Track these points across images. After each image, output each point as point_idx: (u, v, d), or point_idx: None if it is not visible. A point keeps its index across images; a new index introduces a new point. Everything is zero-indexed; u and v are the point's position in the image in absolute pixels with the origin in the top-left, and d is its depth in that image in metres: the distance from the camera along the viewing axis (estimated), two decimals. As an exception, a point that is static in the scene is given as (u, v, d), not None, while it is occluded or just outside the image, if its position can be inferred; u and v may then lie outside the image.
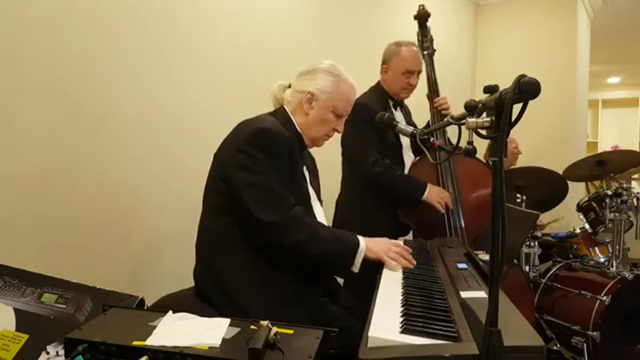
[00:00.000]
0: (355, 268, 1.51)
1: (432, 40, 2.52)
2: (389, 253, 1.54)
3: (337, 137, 2.37)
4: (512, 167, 3.54)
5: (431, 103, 2.50)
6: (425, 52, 2.50)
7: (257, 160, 1.46)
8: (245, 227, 1.49)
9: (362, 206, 2.35)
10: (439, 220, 2.32)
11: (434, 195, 2.27)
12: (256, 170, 1.46)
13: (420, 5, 2.53)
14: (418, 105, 2.65)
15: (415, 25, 2.55)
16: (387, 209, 2.35)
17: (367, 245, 1.52)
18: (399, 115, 2.41)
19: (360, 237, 1.54)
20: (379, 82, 2.46)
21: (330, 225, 2.17)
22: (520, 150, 3.75)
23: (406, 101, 2.54)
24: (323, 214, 1.74)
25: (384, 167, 2.27)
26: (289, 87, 1.68)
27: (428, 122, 2.52)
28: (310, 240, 1.46)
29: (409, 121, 2.50)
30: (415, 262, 1.56)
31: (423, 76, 2.49)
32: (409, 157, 2.46)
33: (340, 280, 1.91)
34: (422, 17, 2.50)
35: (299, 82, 1.65)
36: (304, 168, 1.68)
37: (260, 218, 1.43)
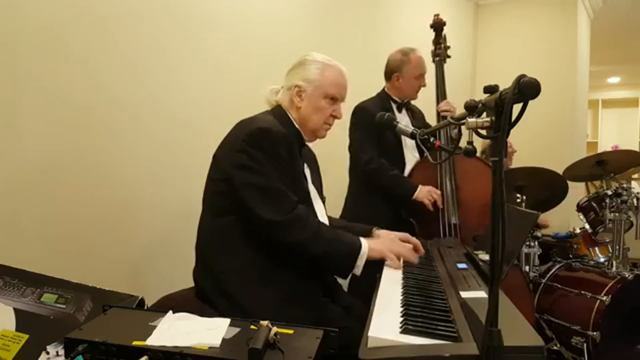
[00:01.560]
0: (358, 270, 1.50)
1: (446, 48, 2.63)
2: (393, 248, 1.55)
3: (344, 134, 2.44)
4: (509, 166, 3.54)
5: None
6: (437, 59, 2.62)
7: (257, 160, 1.46)
8: (247, 227, 1.49)
9: (363, 205, 2.44)
10: (434, 217, 2.37)
11: (423, 194, 2.35)
12: (257, 170, 1.46)
13: (435, 15, 2.65)
14: (430, 108, 2.70)
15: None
16: (387, 208, 2.42)
17: (370, 247, 1.52)
18: (403, 117, 2.50)
19: (363, 239, 1.53)
20: (384, 88, 2.56)
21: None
22: (514, 149, 3.74)
23: (419, 105, 2.64)
24: (324, 211, 1.73)
25: (378, 165, 2.37)
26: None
27: None
28: (313, 239, 1.46)
29: (418, 123, 2.55)
30: (416, 259, 1.57)
31: (433, 80, 2.59)
32: (413, 157, 2.52)
33: (342, 282, 1.91)
34: (437, 25, 2.63)
35: (287, 79, 1.65)
36: (305, 165, 1.68)
37: (264, 217, 1.43)
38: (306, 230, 1.46)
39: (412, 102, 2.59)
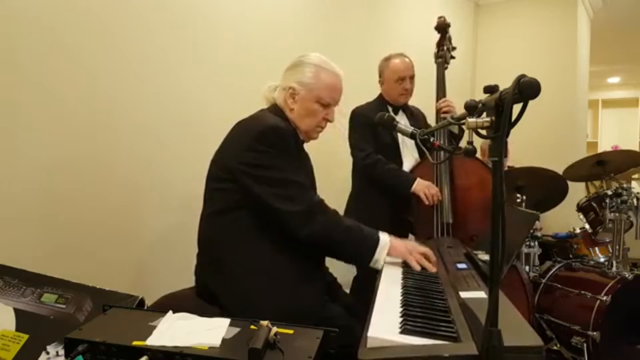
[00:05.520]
0: (379, 264, 1.50)
1: (449, 50, 2.64)
2: (413, 254, 1.54)
3: (343, 138, 2.46)
4: (507, 164, 3.54)
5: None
6: (439, 60, 2.63)
7: (269, 157, 1.47)
8: (247, 224, 1.49)
9: (363, 206, 2.46)
10: (429, 215, 2.38)
11: (421, 187, 2.36)
12: (271, 166, 1.46)
13: (439, 17, 2.66)
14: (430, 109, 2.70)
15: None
16: (387, 209, 2.43)
17: (393, 244, 1.52)
18: (400, 119, 2.49)
19: (385, 234, 1.54)
20: (380, 93, 2.60)
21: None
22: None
23: (419, 106, 2.66)
24: None
25: (374, 160, 2.41)
26: None
27: None
28: (335, 225, 1.48)
29: (418, 124, 2.55)
30: (435, 269, 1.51)
31: (433, 81, 2.59)
32: (413, 157, 2.54)
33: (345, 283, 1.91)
34: (441, 27, 2.65)
35: (283, 79, 1.65)
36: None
37: (284, 210, 1.44)
38: (327, 215, 1.48)
39: (414, 102, 2.59)
